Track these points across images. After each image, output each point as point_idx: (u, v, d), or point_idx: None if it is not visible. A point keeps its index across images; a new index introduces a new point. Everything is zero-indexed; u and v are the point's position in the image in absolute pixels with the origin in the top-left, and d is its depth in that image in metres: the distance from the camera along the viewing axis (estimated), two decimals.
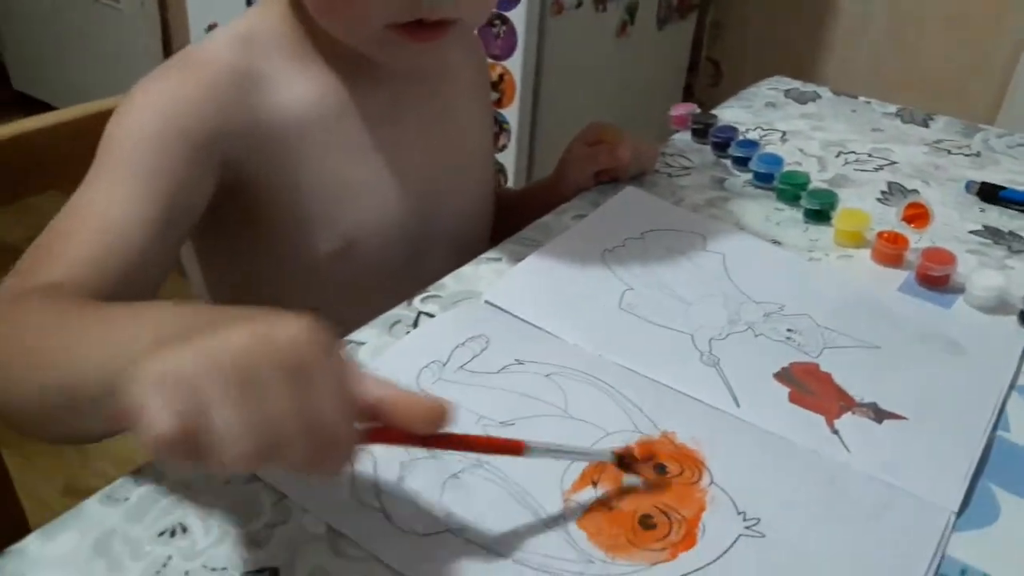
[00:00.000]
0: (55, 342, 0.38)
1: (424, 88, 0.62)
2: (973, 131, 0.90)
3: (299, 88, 0.56)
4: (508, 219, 0.70)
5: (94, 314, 0.39)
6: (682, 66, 1.80)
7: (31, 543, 0.37)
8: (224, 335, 0.30)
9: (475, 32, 0.71)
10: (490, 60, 1.26)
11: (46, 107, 2.47)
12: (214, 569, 0.37)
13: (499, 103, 1.30)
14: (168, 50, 2.22)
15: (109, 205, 0.47)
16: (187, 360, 0.29)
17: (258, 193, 0.56)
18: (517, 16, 1.22)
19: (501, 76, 1.27)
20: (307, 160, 0.56)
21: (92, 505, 0.39)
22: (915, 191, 0.76)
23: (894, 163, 0.81)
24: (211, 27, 1.53)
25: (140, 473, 0.41)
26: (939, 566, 0.39)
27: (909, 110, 0.93)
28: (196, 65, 0.54)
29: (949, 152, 0.84)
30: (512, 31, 1.23)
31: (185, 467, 0.34)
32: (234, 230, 0.58)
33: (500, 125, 1.32)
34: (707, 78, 1.90)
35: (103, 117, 0.55)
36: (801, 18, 1.69)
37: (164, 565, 0.37)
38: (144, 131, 0.50)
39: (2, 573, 0.36)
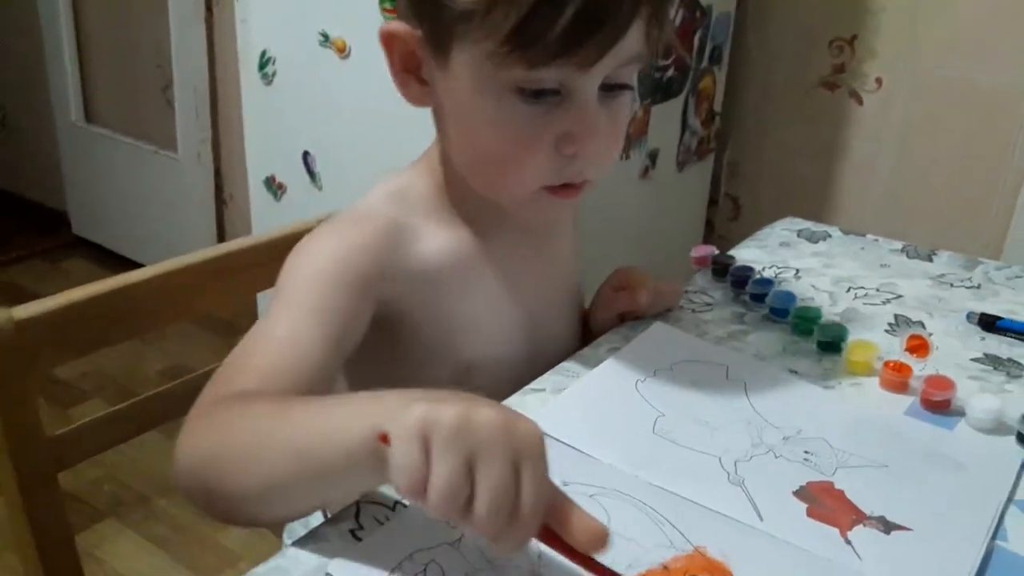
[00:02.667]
0: (290, 421, 0.47)
1: (535, 236, 0.73)
2: (974, 264, 0.98)
3: (440, 239, 0.67)
4: None
5: (315, 400, 0.48)
6: (703, 203, 1.91)
7: None
8: (477, 407, 0.40)
9: None
10: None
11: (104, 251, 2.65)
12: None
13: None
14: (220, 198, 2.39)
15: (293, 328, 0.57)
16: (448, 415, 0.39)
17: (401, 325, 0.65)
18: None
19: None
20: (442, 299, 0.66)
21: None
22: (919, 323, 0.83)
23: (900, 296, 0.88)
24: (269, 179, 1.68)
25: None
26: None
27: (914, 247, 1.01)
28: (363, 218, 0.65)
29: (951, 285, 0.92)
30: None
31: (411, 499, 0.42)
32: (377, 353, 0.65)
33: None
34: (727, 213, 2.01)
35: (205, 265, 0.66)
36: (813, 156, 1.81)
37: None
38: (321, 272, 0.60)
39: None
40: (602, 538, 0.42)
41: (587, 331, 0.81)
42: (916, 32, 1.61)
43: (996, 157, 1.58)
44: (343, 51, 1.42)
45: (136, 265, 2.51)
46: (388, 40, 0.61)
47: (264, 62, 1.58)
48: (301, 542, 0.51)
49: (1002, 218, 1.59)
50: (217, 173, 2.36)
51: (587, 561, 0.43)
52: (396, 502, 0.54)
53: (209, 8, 2.19)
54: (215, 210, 2.39)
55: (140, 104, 2.48)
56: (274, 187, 1.68)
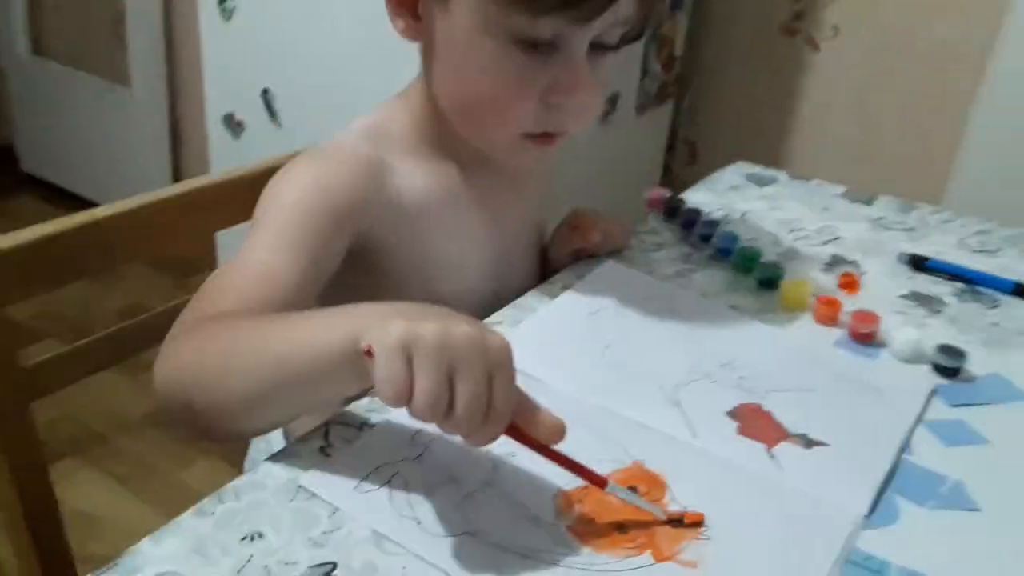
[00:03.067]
0: (269, 335, 0.51)
1: (509, 178, 0.76)
2: (910, 209, 1.03)
3: (417, 177, 0.69)
4: None
5: (292, 315, 0.52)
6: (661, 147, 1.95)
7: (144, 545, 0.48)
8: (453, 324, 0.44)
9: None
10: None
11: (53, 188, 2.61)
12: (286, 563, 0.47)
13: None
14: (176, 136, 2.36)
15: (270, 258, 0.59)
16: (428, 332, 0.43)
17: (376, 257, 0.68)
18: None
19: None
20: (418, 235, 0.69)
21: (187, 518, 0.50)
22: (854, 262, 0.88)
23: (838, 238, 0.94)
24: (227, 116, 1.67)
25: (221, 495, 0.52)
26: (850, 555, 0.50)
27: (854, 191, 1.06)
28: (337, 153, 0.67)
29: (888, 228, 0.98)
30: None
31: (395, 407, 0.46)
32: (350, 284, 0.68)
33: None
34: (684, 158, 2.05)
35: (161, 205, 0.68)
36: (771, 102, 1.85)
37: (248, 561, 0.47)
38: (297, 204, 0.63)
39: (124, 568, 0.46)
40: (560, 430, 0.48)
41: (545, 267, 0.85)
42: None
43: (946, 108, 1.64)
44: None
45: (88, 203, 2.49)
46: None
47: None
48: (273, 458, 0.55)
49: (948, 166, 1.65)
50: (172, 110, 2.32)
51: (548, 451, 0.49)
52: (363, 423, 0.58)
53: None
54: (169, 147, 2.36)
55: (91, 37, 2.42)
56: (233, 125, 1.67)
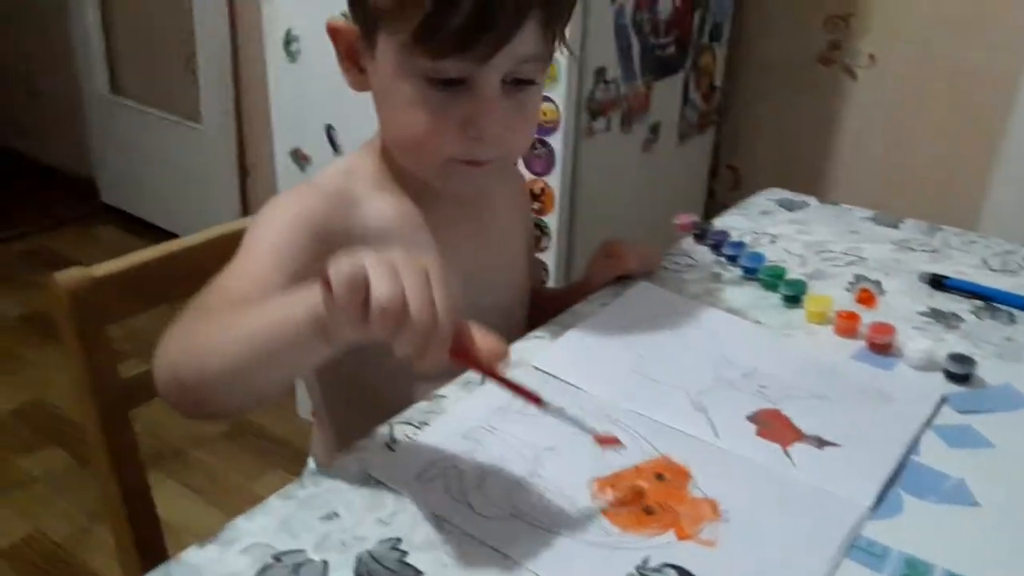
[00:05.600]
0: (244, 316, 0.59)
1: (471, 208, 0.83)
2: (935, 231, 1.08)
3: (381, 206, 0.78)
4: (549, 310, 0.90)
5: (267, 299, 0.60)
6: (704, 173, 2.01)
7: (239, 522, 0.57)
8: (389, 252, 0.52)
9: (515, 166, 0.93)
10: (533, 176, 1.49)
11: (131, 218, 2.77)
12: (358, 538, 0.56)
13: (541, 211, 1.51)
14: (243, 168, 2.50)
15: (256, 268, 0.68)
16: (367, 255, 0.51)
17: None
18: (555, 140, 1.45)
19: (542, 189, 1.50)
20: None
21: (274, 500, 0.59)
22: (876, 282, 0.94)
23: (863, 259, 1.00)
24: (294, 151, 1.79)
25: (301, 482, 0.60)
26: (854, 541, 0.57)
27: (882, 215, 1.12)
28: (315, 188, 0.77)
29: (912, 249, 1.03)
30: (551, 152, 1.46)
31: (359, 324, 0.51)
32: None
33: (542, 230, 1.53)
34: (727, 182, 2.11)
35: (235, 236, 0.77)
36: (810, 129, 1.90)
37: (326, 536, 0.56)
38: (280, 227, 0.72)
39: (223, 540, 0.55)
40: (501, 352, 0.54)
41: (582, 296, 0.91)
42: (908, 10, 1.69)
43: (980, 133, 1.67)
44: None
45: (162, 232, 2.65)
46: (333, 34, 0.73)
47: (289, 40, 1.69)
48: (345, 452, 0.63)
49: (982, 191, 1.69)
50: (240, 144, 2.46)
51: (492, 373, 0.55)
52: (422, 422, 0.66)
53: None
54: (238, 180, 2.50)
55: (164, 76, 2.59)
56: (299, 159, 1.79)
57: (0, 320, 2.31)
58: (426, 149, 0.72)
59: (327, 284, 0.51)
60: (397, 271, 0.51)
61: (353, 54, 0.73)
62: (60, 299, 0.77)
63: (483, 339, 0.54)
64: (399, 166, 0.78)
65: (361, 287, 0.50)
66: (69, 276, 0.77)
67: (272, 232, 0.71)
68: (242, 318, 0.60)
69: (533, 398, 0.57)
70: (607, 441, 0.61)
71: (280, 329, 0.56)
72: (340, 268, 0.50)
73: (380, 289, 0.50)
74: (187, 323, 0.63)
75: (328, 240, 0.73)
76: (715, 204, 2.09)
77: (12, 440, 1.89)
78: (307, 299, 0.54)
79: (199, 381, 0.60)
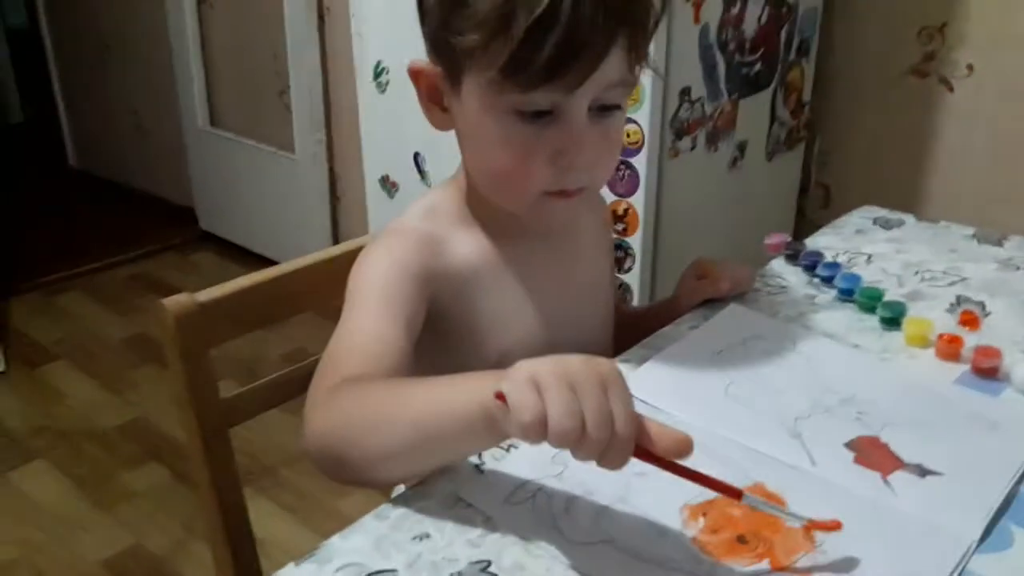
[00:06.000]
0: (410, 397, 0.60)
1: (555, 240, 0.84)
2: None
3: (466, 245, 0.79)
4: (634, 331, 0.90)
5: (425, 379, 0.61)
6: (793, 191, 1.97)
7: (334, 541, 0.58)
8: (566, 357, 0.52)
9: (599, 192, 0.93)
10: (617, 197, 1.48)
11: (228, 244, 2.88)
12: (449, 560, 0.56)
13: (625, 232, 1.51)
14: (334, 195, 2.58)
15: (372, 326, 0.70)
16: (548, 364, 0.52)
17: (441, 321, 0.78)
18: (639, 161, 1.45)
19: (626, 210, 1.49)
20: (470, 298, 0.78)
21: (369, 520, 0.60)
22: (980, 303, 0.90)
23: (965, 279, 0.96)
24: (383, 178, 1.84)
25: (393, 502, 0.61)
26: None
27: (985, 232, 1.07)
28: (403, 234, 0.78)
29: (1018, 268, 0.98)
30: (636, 173, 1.46)
31: (535, 435, 0.51)
32: (426, 344, 0.77)
33: (625, 251, 1.53)
34: (818, 200, 2.06)
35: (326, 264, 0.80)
36: (904, 144, 1.84)
37: (418, 557, 0.56)
38: (381, 277, 0.73)
39: (319, 558, 0.56)
40: (687, 444, 0.52)
41: (670, 316, 0.90)
42: (1008, 18, 1.63)
43: None
44: None
45: (258, 257, 2.74)
46: (415, 76, 0.74)
47: (378, 72, 1.74)
48: (436, 473, 0.64)
49: None
50: (331, 172, 2.54)
51: (679, 468, 0.54)
52: (510, 445, 0.67)
53: (321, 18, 2.37)
54: (330, 207, 2.58)
55: (260, 109, 2.70)
56: (388, 185, 1.84)
57: (107, 341, 2.43)
58: (517, 183, 0.72)
59: (502, 399, 0.52)
60: (575, 389, 0.51)
61: (435, 94, 0.74)
62: (167, 323, 0.81)
63: (662, 435, 0.53)
64: (482, 203, 0.78)
65: (539, 415, 0.50)
66: (176, 302, 0.81)
67: (377, 285, 0.73)
68: (403, 399, 0.60)
69: (731, 491, 0.55)
70: (826, 527, 0.57)
71: (449, 420, 0.57)
72: (517, 388, 0.51)
73: (557, 416, 0.50)
74: (339, 397, 0.63)
75: (428, 282, 0.75)
76: (805, 223, 2.04)
77: (117, 456, 1.98)
78: (476, 392, 0.54)
79: (361, 460, 0.60)
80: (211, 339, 0.85)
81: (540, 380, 0.51)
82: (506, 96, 0.67)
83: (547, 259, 0.83)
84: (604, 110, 0.70)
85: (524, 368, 0.52)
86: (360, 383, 0.63)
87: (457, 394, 0.57)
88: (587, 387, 0.51)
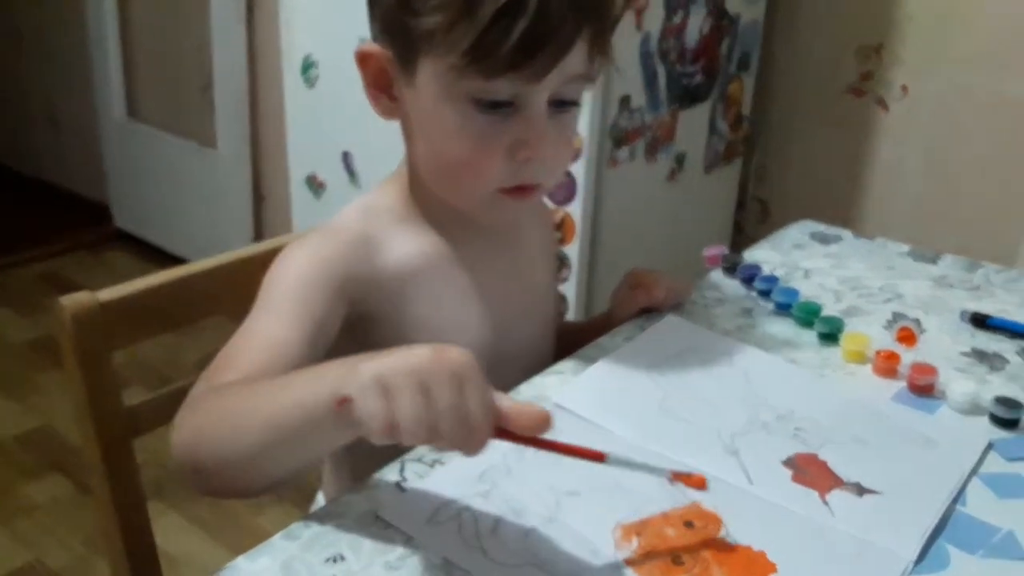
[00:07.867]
0: (262, 397, 0.55)
1: (501, 239, 0.80)
2: (975, 267, 1.04)
3: (407, 245, 0.74)
4: (570, 344, 0.86)
5: (282, 377, 0.57)
6: (731, 205, 1.97)
7: (240, 562, 0.53)
8: (410, 350, 0.48)
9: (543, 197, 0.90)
10: (554, 205, 1.46)
11: (144, 244, 2.76)
12: None
13: (561, 241, 1.48)
14: (258, 194, 2.49)
15: (273, 330, 0.65)
16: (392, 362, 0.48)
17: (371, 326, 0.73)
18: (578, 169, 1.43)
19: (563, 219, 1.47)
20: (408, 302, 0.74)
21: (278, 540, 0.55)
22: (916, 320, 0.90)
23: (901, 296, 0.95)
24: (310, 177, 1.78)
25: (305, 520, 0.56)
26: None
27: (920, 250, 1.08)
28: (333, 231, 0.73)
29: (952, 286, 0.98)
30: (573, 181, 1.43)
31: (387, 439, 0.49)
32: (344, 352, 0.74)
33: (562, 261, 1.50)
34: (755, 214, 2.07)
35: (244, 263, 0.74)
36: (841, 161, 1.86)
37: None
38: (296, 279, 0.68)
39: None
40: (543, 419, 0.50)
41: (606, 328, 0.87)
42: (942, 41, 1.66)
43: (1019, 166, 1.63)
44: None
45: (175, 258, 2.62)
46: (363, 59, 0.70)
47: (307, 66, 1.68)
48: (353, 490, 0.59)
49: (1022, 225, 1.64)
50: (255, 170, 2.45)
51: (542, 442, 0.52)
52: (435, 461, 0.62)
53: (250, 9, 2.29)
54: (252, 206, 2.48)
55: (181, 100, 2.59)
56: (314, 185, 1.77)
57: (10, 344, 2.29)
58: (471, 177, 0.68)
59: (347, 402, 0.49)
60: (426, 388, 0.47)
61: (383, 81, 0.70)
62: (64, 323, 0.74)
63: (520, 413, 0.50)
64: (428, 199, 0.74)
65: (388, 422, 0.48)
66: (74, 300, 0.74)
67: (291, 285, 0.68)
68: (259, 397, 0.56)
69: (595, 455, 0.54)
70: (691, 481, 0.57)
71: (303, 412, 0.53)
72: (363, 393, 0.48)
73: (407, 423, 0.47)
74: (203, 403, 0.60)
75: (350, 286, 0.70)
76: (742, 237, 2.05)
77: (15, 467, 1.86)
78: (332, 381, 0.51)
79: (215, 466, 0.57)
80: (114, 342, 0.78)
81: (387, 382, 0.48)
82: (466, 83, 0.63)
83: (492, 260, 0.79)
84: (562, 105, 0.67)
85: (370, 368, 0.48)
86: (225, 387, 0.59)
87: (312, 383, 0.53)
88: (439, 386, 0.47)
